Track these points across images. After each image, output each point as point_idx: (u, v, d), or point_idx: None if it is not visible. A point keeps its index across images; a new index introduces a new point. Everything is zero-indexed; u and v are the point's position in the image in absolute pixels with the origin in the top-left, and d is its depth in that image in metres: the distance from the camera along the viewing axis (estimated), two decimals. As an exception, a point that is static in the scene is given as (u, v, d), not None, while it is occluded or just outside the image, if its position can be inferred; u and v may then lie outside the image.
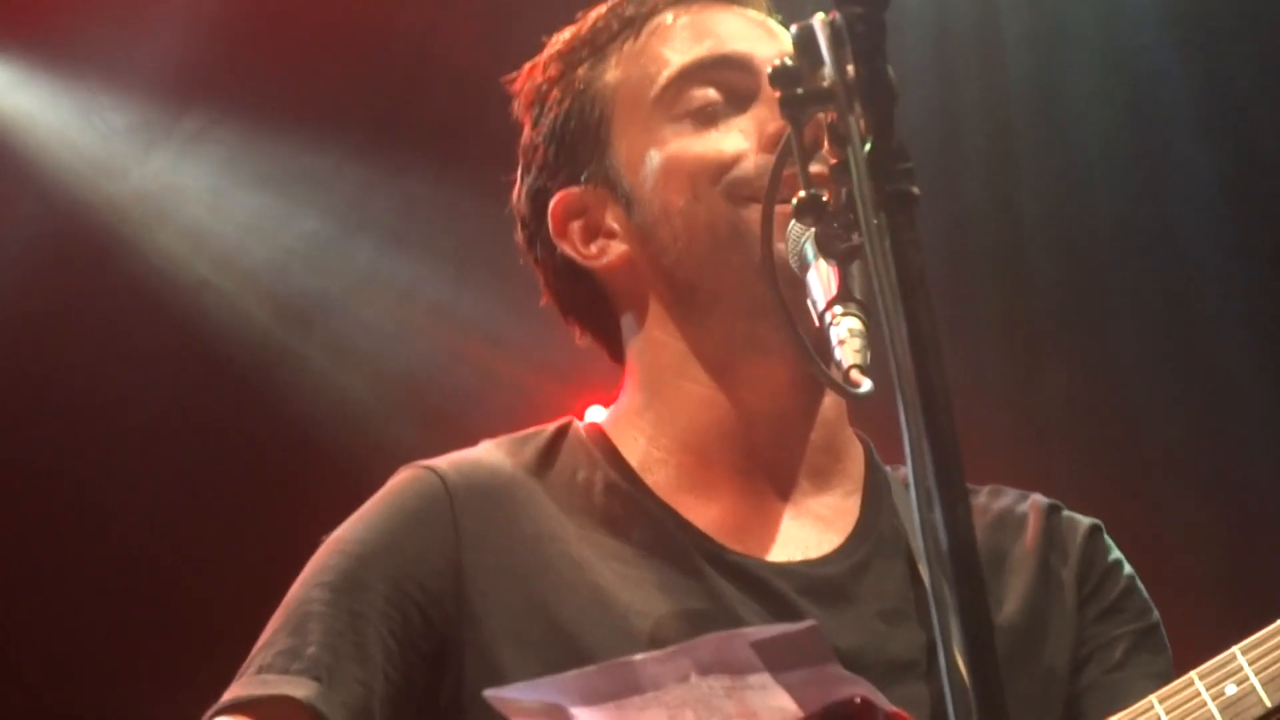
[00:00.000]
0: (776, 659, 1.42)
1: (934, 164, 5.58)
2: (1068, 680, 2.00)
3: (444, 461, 2.02)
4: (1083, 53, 5.67)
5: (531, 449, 2.05)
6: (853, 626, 1.84)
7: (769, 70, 1.45)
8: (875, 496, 2.03)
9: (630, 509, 2.00)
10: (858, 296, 1.53)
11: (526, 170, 2.14)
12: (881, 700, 1.41)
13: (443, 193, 5.38)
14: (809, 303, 1.56)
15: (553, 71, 2.11)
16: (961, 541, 1.39)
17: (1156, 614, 2.11)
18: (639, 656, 1.45)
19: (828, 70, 1.41)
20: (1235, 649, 2.08)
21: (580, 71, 2.09)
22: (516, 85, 2.16)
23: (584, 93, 2.08)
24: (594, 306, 2.12)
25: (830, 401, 2.03)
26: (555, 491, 2.01)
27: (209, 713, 1.94)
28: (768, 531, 2.01)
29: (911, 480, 1.35)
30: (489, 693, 1.45)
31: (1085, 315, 5.90)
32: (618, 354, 2.14)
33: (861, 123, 1.41)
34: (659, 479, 2.02)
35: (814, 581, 1.93)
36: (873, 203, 1.39)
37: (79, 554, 5.44)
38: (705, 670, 1.43)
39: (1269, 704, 2.02)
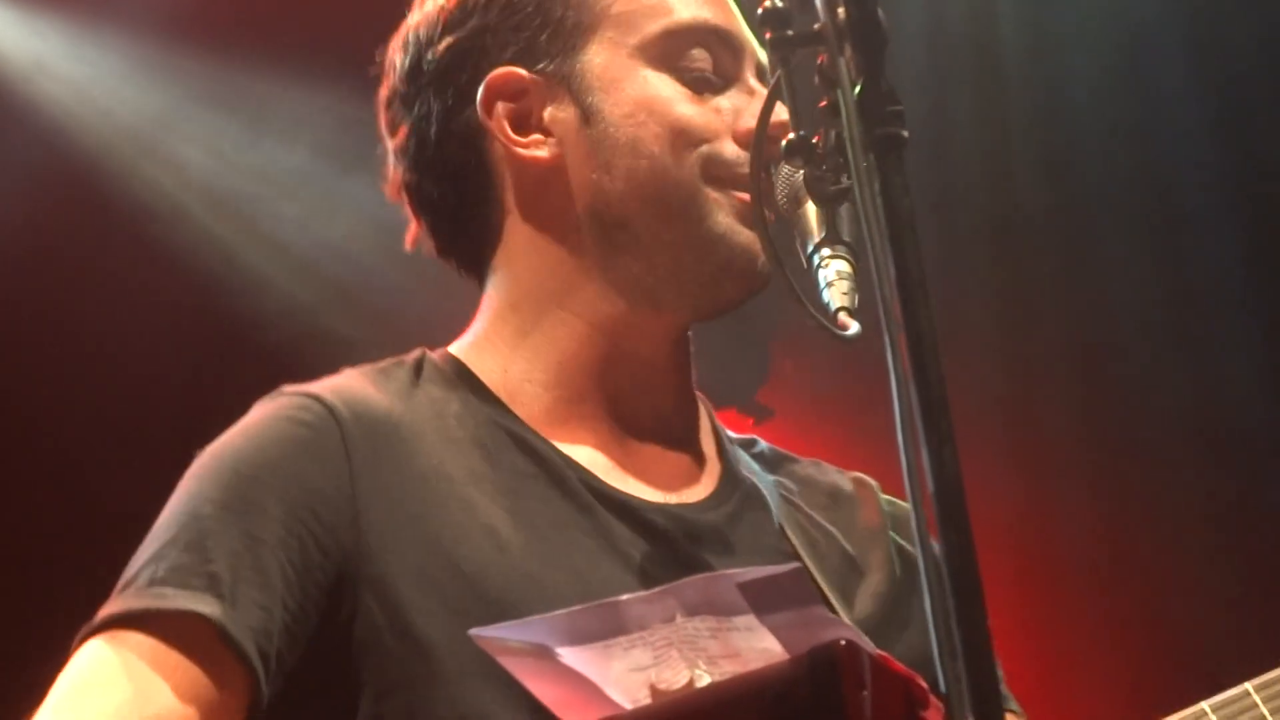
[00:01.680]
0: (762, 601, 1.43)
1: (921, 117, 5.61)
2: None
3: (327, 391, 1.91)
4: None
5: (398, 382, 1.95)
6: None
7: (760, 11, 1.45)
8: (730, 452, 2.00)
9: (510, 442, 1.92)
10: (846, 239, 1.53)
11: (457, 18, 2.00)
12: (867, 643, 1.42)
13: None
14: (797, 245, 1.56)
15: None
16: (949, 485, 1.39)
17: None
18: (625, 597, 1.45)
19: (819, 11, 1.42)
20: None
21: None
22: None
23: None
24: (470, 198, 2.01)
25: (688, 359, 2.00)
26: (431, 426, 1.91)
27: (87, 628, 1.78)
28: (641, 472, 1.96)
29: (898, 421, 1.35)
30: (474, 631, 1.44)
31: (1076, 258, 5.94)
32: (473, 262, 2.04)
33: (851, 65, 1.41)
34: (532, 412, 1.94)
35: (695, 526, 1.90)
36: (862, 145, 1.39)
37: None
38: (691, 611, 1.44)
39: None
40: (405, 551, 1.77)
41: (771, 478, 2.02)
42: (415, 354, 1.99)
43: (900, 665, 1.42)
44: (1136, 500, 5.85)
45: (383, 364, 1.98)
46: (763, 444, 2.13)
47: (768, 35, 1.45)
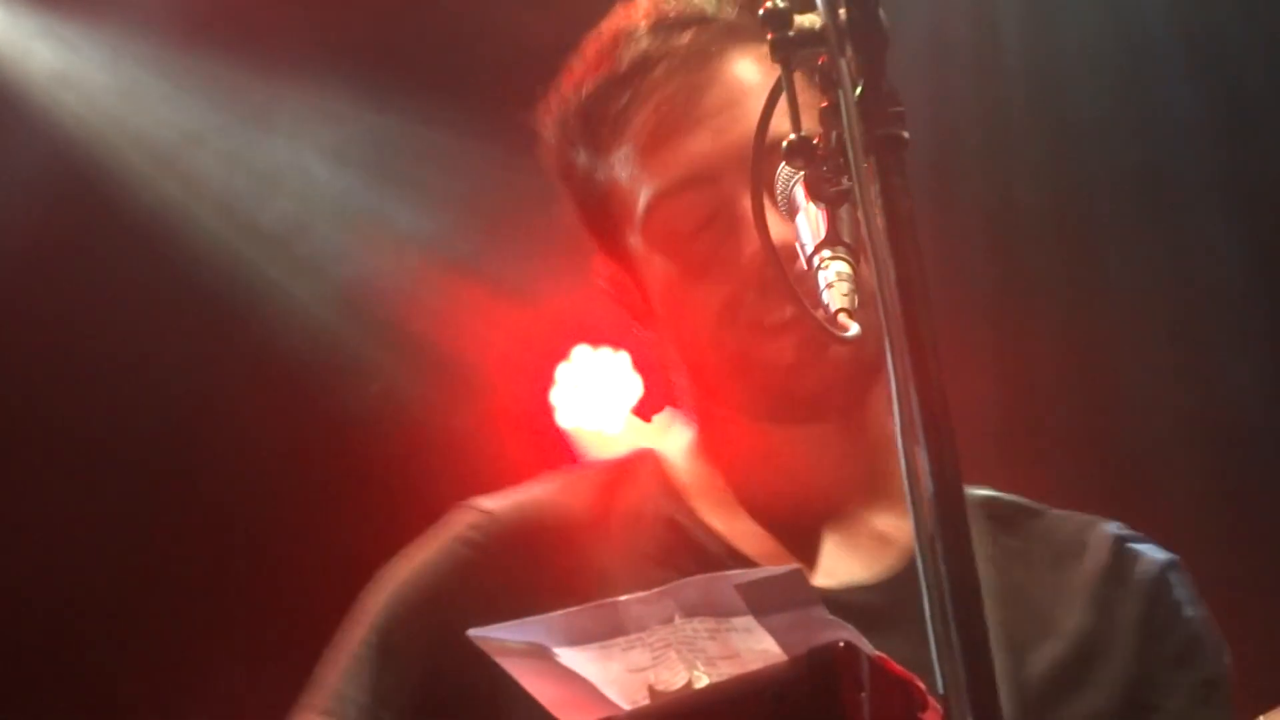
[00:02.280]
0: (760, 601, 1.44)
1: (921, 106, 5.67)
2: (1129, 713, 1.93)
3: (500, 504, 2.03)
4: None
5: (599, 486, 2.05)
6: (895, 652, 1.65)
7: (760, 13, 1.46)
8: None
9: (683, 542, 1.99)
10: (846, 240, 1.53)
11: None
12: (866, 645, 1.43)
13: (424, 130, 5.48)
14: (797, 246, 1.56)
15: (559, 143, 2.09)
16: (948, 486, 1.40)
17: (1225, 665, 2.04)
18: (624, 598, 1.45)
19: (820, 12, 1.42)
20: None
21: (580, 158, 2.06)
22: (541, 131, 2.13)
23: (589, 180, 2.05)
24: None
25: (873, 417, 2.02)
26: (616, 531, 2.00)
27: None
28: (808, 557, 2.00)
29: (897, 422, 1.35)
30: (473, 632, 1.45)
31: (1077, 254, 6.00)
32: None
33: (852, 66, 1.42)
34: (714, 510, 2.01)
35: (847, 607, 1.75)
36: (863, 146, 1.39)
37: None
38: (690, 612, 1.44)
39: None
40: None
41: (989, 541, 2.02)
42: (634, 454, 2.10)
43: (899, 667, 1.43)
44: (1135, 493, 5.90)
45: (599, 464, 2.14)
46: (1005, 499, 2.13)
47: (770, 35, 1.45)
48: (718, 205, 1.95)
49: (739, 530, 2.00)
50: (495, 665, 1.66)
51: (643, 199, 1.98)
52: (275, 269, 5.55)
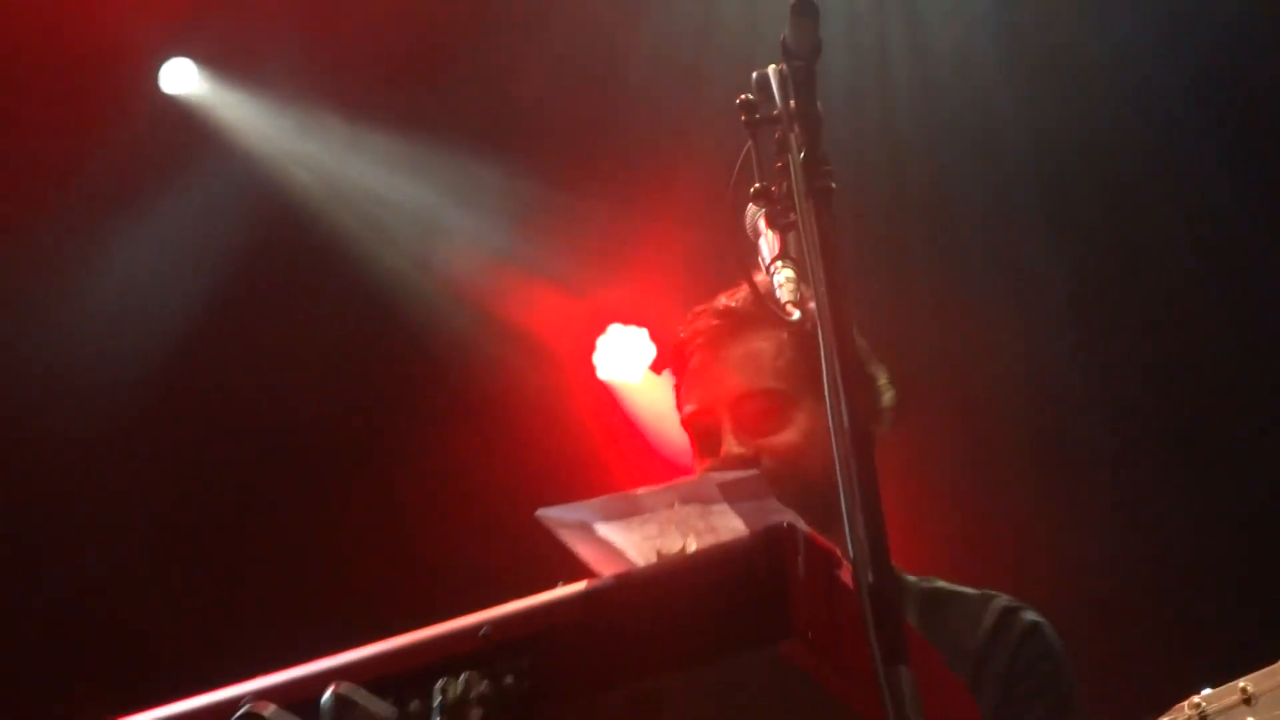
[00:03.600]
0: (733, 494, 2.08)
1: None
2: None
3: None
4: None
5: None
6: None
7: (738, 102, 2.17)
8: None
9: None
10: (793, 256, 2.23)
11: None
12: (803, 525, 2.03)
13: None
14: (759, 260, 2.26)
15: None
16: (858, 423, 2.04)
17: (1076, 702, 3.04)
18: (639, 490, 2.11)
19: (777, 102, 2.11)
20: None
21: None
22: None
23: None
24: None
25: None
26: None
27: None
28: None
29: (825, 377, 2.01)
30: (540, 511, 2.11)
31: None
32: None
33: (797, 138, 2.11)
34: None
35: None
36: (805, 193, 2.08)
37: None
38: (685, 500, 2.08)
39: None
40: None
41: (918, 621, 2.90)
42: None
43: (823, 539, 2.03)
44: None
45: None
46: (939, 584, 3.15)
47: (742, 118, 2.15)
48: (714, 426, 3.19)
49: None
50: None
51: (682, 416, 3.28)
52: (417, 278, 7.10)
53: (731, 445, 3.11)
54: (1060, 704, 3.01)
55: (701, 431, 3.21)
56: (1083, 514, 6.67)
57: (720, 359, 3.21)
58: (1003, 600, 3.08)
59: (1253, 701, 2.76)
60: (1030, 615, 3.06)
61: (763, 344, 3.16)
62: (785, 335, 3.09)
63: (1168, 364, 6.68)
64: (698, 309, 3.29)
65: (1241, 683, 2.79)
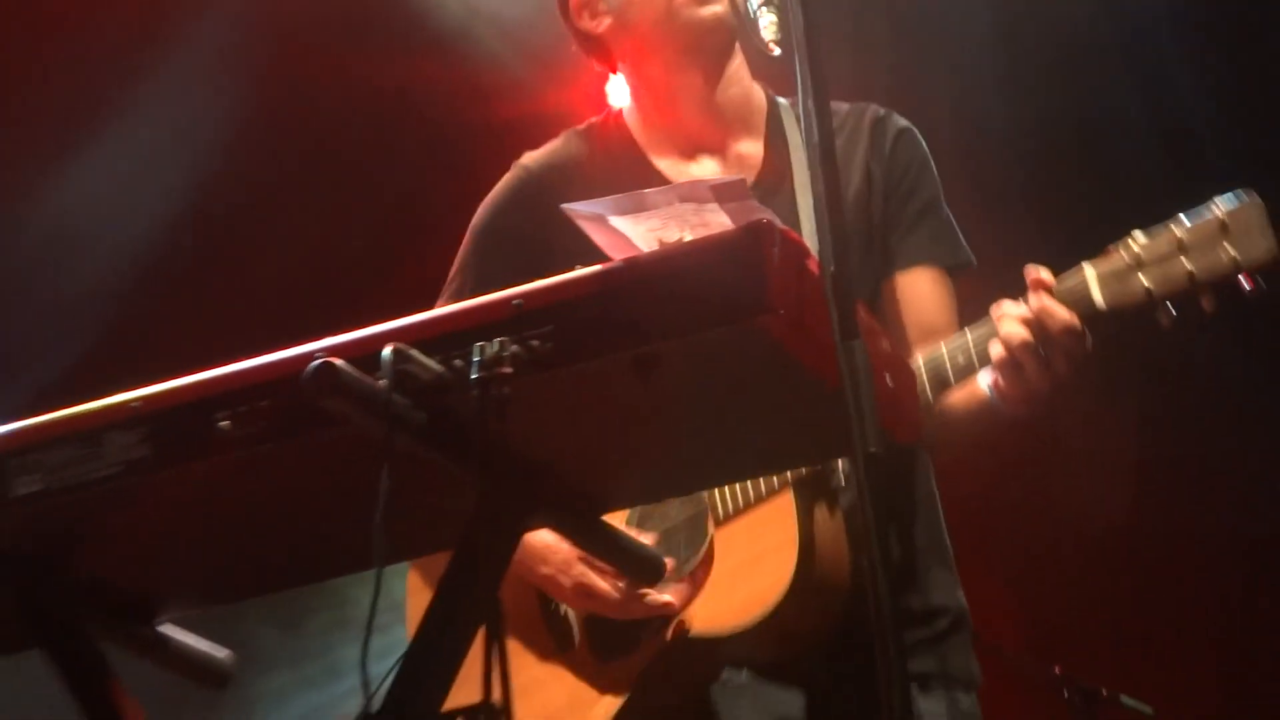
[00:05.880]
0: (722, 195, 2.48)
1: None
2: (884, 234, 3.29)
3: (536, 156, 3.57)
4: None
5: (587, 138, 3.52)
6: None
7: None
8: (777, 136, 3.43)
9: (636, 167, 3.41)
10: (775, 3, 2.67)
11: None
12: (779, 222, 2.34)
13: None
14: (747, 5, 2.69)
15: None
16: (824, 136, 2.47)
17: (938, 191, 3.33)
18: (648, 190, 2.53)
19: None
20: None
21: None
22: None
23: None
24: (601, 55, 3.63)
25: (736, 67, 3.49)
26: (598, 162, 3.44)
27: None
28: (709, 174, 3.35)
29: (800, 96, 2.44)
30: (565, 206, 2.54)
31: None
32: (616, 72, 3.63)
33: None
34: (651, 148, 3.50)
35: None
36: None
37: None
38: (684, 199, 2.49)
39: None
40: (565, 236, 2.81)
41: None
42: (602, 115, 3.56)
43: (795, 234, 2.35)
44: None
45: (585, 124, 3.58)
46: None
47: None
48: None
49: (670, 165, 3.45)
50: (547, 235, 3.08)
51: None
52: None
53: None
54: (932, 198, 3.56)
55: None
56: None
57: None
58: (871, 108, 3.59)
59: (1188, 247, 3.12)
60: (899, 121, 3.58)
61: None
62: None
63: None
64: None
65: (1183, 222, 3.09)
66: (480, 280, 3.38)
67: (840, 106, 3.51)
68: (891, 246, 3.44)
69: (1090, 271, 3.13)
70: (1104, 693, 6.29)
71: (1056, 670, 6.39)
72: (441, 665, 2.43)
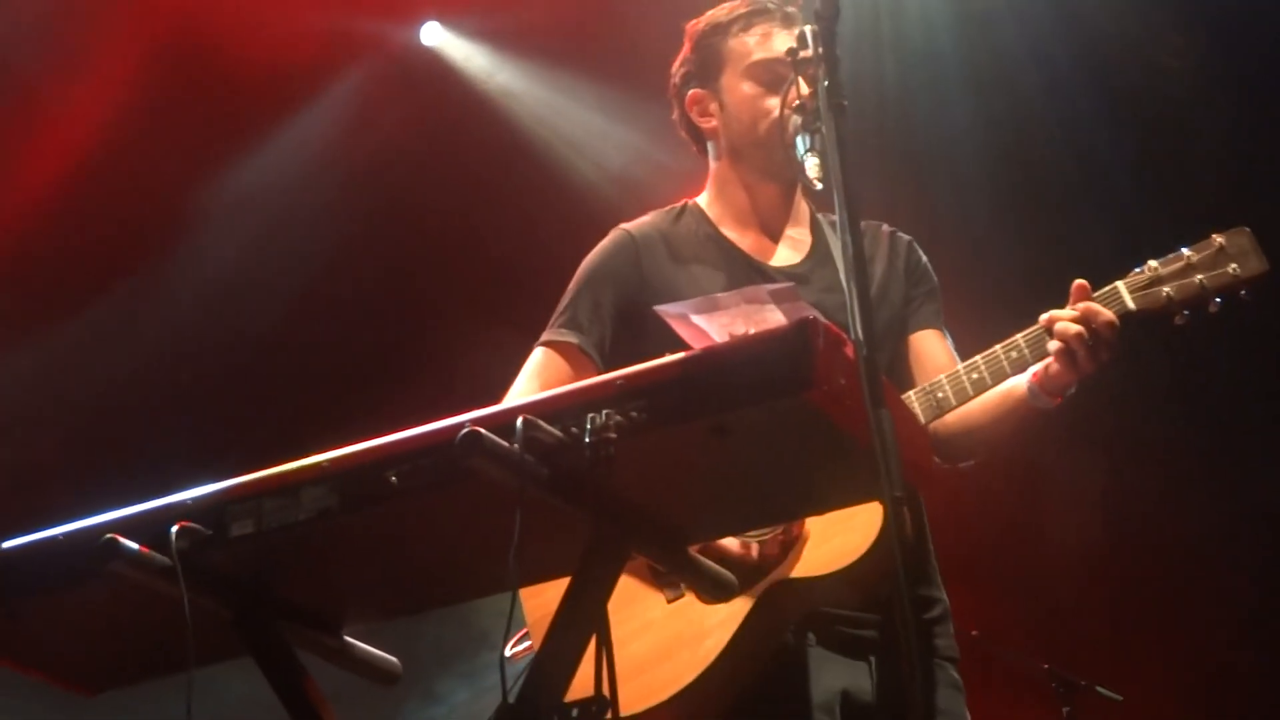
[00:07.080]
0: (778, 298, 3.06)
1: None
2: (902, 309, 4.15)
3: (633, 224, 4.22)
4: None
5: (671, 216, 4.21)
6: (811, 293, 3.83)
7: (784, 51, 3.38)
8: (818, 233, 4.13)
9: (714, 244, 4.16)
10: (817, 148, 3.38)
11: (678, 77, 4.27)
12: (822, 318, 2.77)
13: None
14: (795, 151, 3.39)
15: (699, 32, 4.21)
16: (858, 254, 3.07)
17: (936, 283, 4.30)
18: (720, 295, 3.13)
19: (809, 48, 3.19)
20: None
21: (713, 39, 4.19)
22: (688, 28, 4.26)
23: (710, 48, 4.16)
24: (699, 141, 4.28)
25: (797, 195, 4.20)
26: (682, 237, 4.14)
27: (537, 343, 4.29)
28: (772, 250, 4.20)
29: (839, 208, 3.06)
30: (657, 308, 3.18)
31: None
32: (706, 164, 4.28)
33: (823, 70, 3.17)
34: (723, 223, 4.21)
35: (793, 273, 4.01)
36: (827, 107, 3.15)
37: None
38: (748, 301, 3.07)
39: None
40: (660, 297, 3.69)
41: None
42: (683, 202, 4.20)
43: (835, 327, 2.78)
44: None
45: (669, 207, 4.20)
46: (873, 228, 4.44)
47: (789, 59, 3.34)
48: (780, 71, 4.18)
49: (739, 238, 4.16)
50: (639, 281, 4.00)
51: (752, 57, 4.21)
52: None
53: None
54: (934, 286, 4.38)
55: (773, 75, 4.15)
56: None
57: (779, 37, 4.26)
58: (884, 226, 4.36)
59: (1196, 266, 3.84)
60: (905, 235, 4.39)
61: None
62: None
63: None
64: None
65: (1186, 251, 3.84)
66: (587, 310, 4.19)
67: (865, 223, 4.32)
68: (907, 318, 4.32)
69: (1121, 285, 3.90)
70: (1083, 684, 7.55)
71: (1045, 666, 7.64)
72: (563, 666, 2.97)
